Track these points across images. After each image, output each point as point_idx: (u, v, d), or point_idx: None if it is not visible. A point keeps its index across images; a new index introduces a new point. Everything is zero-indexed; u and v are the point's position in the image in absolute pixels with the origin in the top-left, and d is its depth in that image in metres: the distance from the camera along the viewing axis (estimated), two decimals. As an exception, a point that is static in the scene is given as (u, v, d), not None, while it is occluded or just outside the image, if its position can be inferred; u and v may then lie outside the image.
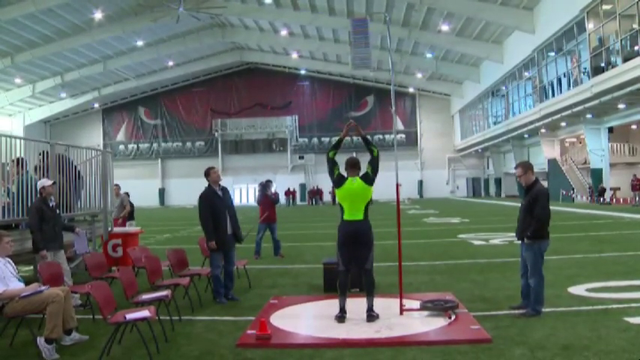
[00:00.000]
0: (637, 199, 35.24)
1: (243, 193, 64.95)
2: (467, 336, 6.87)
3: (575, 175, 43.15)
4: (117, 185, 16.18)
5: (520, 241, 8.16)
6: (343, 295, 7.75)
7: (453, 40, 45.24)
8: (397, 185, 8.57)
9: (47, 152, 10.99)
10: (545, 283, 7.89)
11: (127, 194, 16.76)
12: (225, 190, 9.90)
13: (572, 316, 7.66)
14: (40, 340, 6.43)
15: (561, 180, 43.49)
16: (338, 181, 7.90)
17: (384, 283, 9.70)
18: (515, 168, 8.49)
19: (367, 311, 7.66)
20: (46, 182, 9.10)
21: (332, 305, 8.13)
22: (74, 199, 11.97)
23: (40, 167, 10.69)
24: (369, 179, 7.88)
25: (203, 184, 9.78)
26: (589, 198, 39.60)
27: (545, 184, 51.13)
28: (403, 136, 65.70)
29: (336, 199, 7.98)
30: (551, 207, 8.07)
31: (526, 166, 8.28)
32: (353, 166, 8.02)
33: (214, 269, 9.46)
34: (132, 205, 16.67)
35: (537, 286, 7.79)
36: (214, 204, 9.53)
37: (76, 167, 12.27)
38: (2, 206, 9.65)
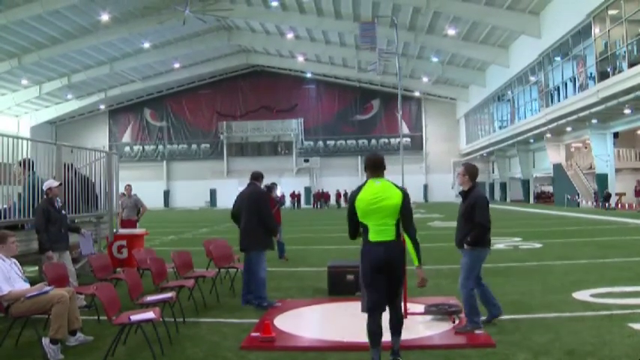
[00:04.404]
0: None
1: (248, 196, 64.89)
2: (471, 340, 6.88)
3: (580, 180, 43.10)
4: (129, 185, 16.21)
5: (459, 249, 7.65)
6: (376, 346, 5.82)
7: (458, 44, 45.28)
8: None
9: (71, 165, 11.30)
10: (549, 289, 7.85)
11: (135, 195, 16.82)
12: None
13: (577, 321, 7.66)
14: (45, 341, 6.45)
15: (566, 185, 43.47)
16: (353, 196, 5.96)
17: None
18: (462, 165, 7.91)
19: (392, 355, 5.97)
20: (52, 183, 9.12)
21: (336, 308, 8.14)
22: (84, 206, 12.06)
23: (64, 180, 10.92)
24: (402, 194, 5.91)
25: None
26: (594, 203, 39.53)
27: (550, 188, 51.12)
28: (408, 140, 65.69)
29: (357, 216, 5.88)
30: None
31: (469, 170, 7.65)
32: (376, 167, 6.07)
33: (262, 271, 9.29)
34: None
35: (469, 297, 7.29)
36: (269, 204, 9.80)
37: (88, 179, 12.37)
38: (8, 207, 9.69)
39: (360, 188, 5.95)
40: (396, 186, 5.90)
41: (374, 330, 5.78)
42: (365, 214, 5.82)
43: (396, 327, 5.96)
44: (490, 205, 7.70)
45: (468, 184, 7.61)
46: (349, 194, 6.53)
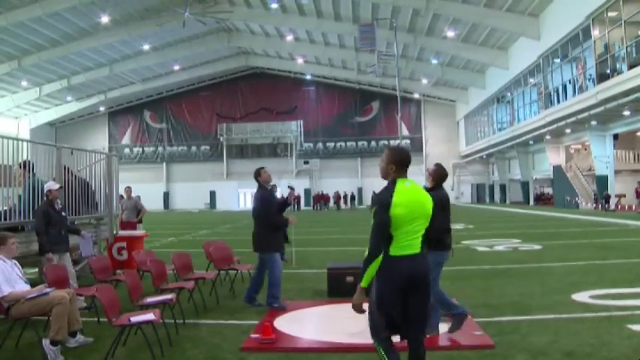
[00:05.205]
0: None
1: (248, 198, 64.70)
2: (470, 342, 6.89)
3: (579, 182, 43.09)
4: (129, 187, 16.22)
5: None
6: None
7: (458, 46, 45.33)
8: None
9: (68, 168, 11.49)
10: (548, 290, 7.83)
11: (139, 197, 16.83)
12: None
13: (576, 322, 7.68)
14: (46, 342, 6.46)
15: (566, 186, 43.46)
16: (388, 199, 4.68)
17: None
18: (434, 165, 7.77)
19: None
20: (53, 186, 9.12)
21: (336, 310, 8.14)
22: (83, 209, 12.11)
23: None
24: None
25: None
26: (594, 205, 39.53)
27: (549, 190, 51.00)
28: (408, 141, 65.66)
29: (389, 224, 4.65)
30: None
31: (437, 172, 7.53)
32: (406, 164, 4.94)
33: (277, 270, 9.18)
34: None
35: (437, 296, 6.94)
36: (273, 204, 9.52)
37: (87, 183, 12.42)
38: (9, 208, 9.70)
39: (390, 191, 4.76)
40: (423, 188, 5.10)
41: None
42: (400, 222, 4.68)
43: None
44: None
45: (431, 184, 7.50)
46: (376, 198, 4.84)
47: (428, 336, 6.70)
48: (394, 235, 4.69)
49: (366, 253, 4.66)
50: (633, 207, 37.69)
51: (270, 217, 9.36)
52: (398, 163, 4.86)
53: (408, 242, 4.71)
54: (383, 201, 4.70)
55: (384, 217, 4.65)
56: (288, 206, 10.51)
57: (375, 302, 4.77)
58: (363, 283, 4.68)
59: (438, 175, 7.47)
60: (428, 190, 6.91)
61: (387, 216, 4.64)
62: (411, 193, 4.76)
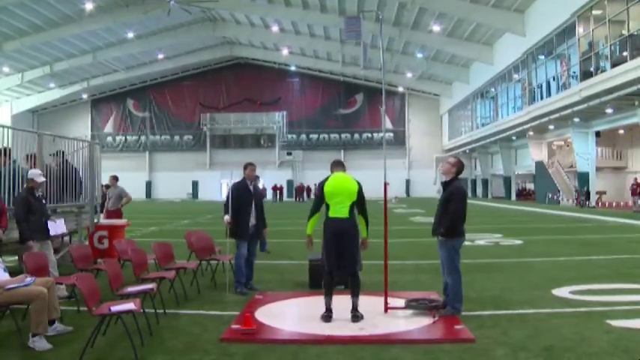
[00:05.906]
0: (637, 203, 33.77)
1: (231, 188, 64.49)
2: (450, 335, 6.91)
3: (561, 178, 43.38)
4: (115, 176, 16.05)
5: (437, 238, 8.15)
6: (329, 295, 7.64)
7: (443, 41, 45.40)
8: (385, 184, 8.57)
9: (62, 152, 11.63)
10: (529, 285, 7.92)
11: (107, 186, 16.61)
12: (255, 185, 10.29)
13: (556, 317, 7.73)
14: (30, 340, 6.40)
15: (548, 182, 43.74)
16: (322, 183, 7.85)
17: (370, 281, 9.72)
18: (454, 157, 8.53)
19: (352, 311, 7.57)
20: (38, 177, 8.91)
21: (317, 302, 8.13)
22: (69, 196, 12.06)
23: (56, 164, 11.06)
24: (358, 185, 7.84)
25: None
26: (575, 201, 39.81)
27: (531, 186, 51.19)
28: (391, 135, 65.91)
29: (324, 198, 7.71)
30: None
31: (456, 163, 8.21)
32: (339, 163, 8.21)
33: (238, 258, 9.68)
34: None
35: (455, 284, 7.85)
36: (241, 195, 9.78)
37: (76, 169, 12.33)
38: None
39: (327, 178, 7.88)
40: (354, 178, 7.90)
41: (329, 283, 7.70)
42: (330, 196, 7.67)
43: (355, 290, 7.65)
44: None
45: (450, 176, 8.11)
46: (319, 182, 8.02)
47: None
48: (330, 204, 7.68)
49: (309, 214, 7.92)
50: (613, 204, 37.81)
51: (226, 200, 9.90)
52: (332, 164, 8.21)
53: (338, 209, 7.65)
54: (320, 184, 7.88)
55: (319, 192, 7.80)
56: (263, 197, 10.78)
57: (322, 246, 7.79)
58: (307, 232, 8.02)
59: (459, 168, 8.22)
60: (447, 182, 8.21)
61: (321, 191, 7.75)
62: (337, 177, 7.86)
